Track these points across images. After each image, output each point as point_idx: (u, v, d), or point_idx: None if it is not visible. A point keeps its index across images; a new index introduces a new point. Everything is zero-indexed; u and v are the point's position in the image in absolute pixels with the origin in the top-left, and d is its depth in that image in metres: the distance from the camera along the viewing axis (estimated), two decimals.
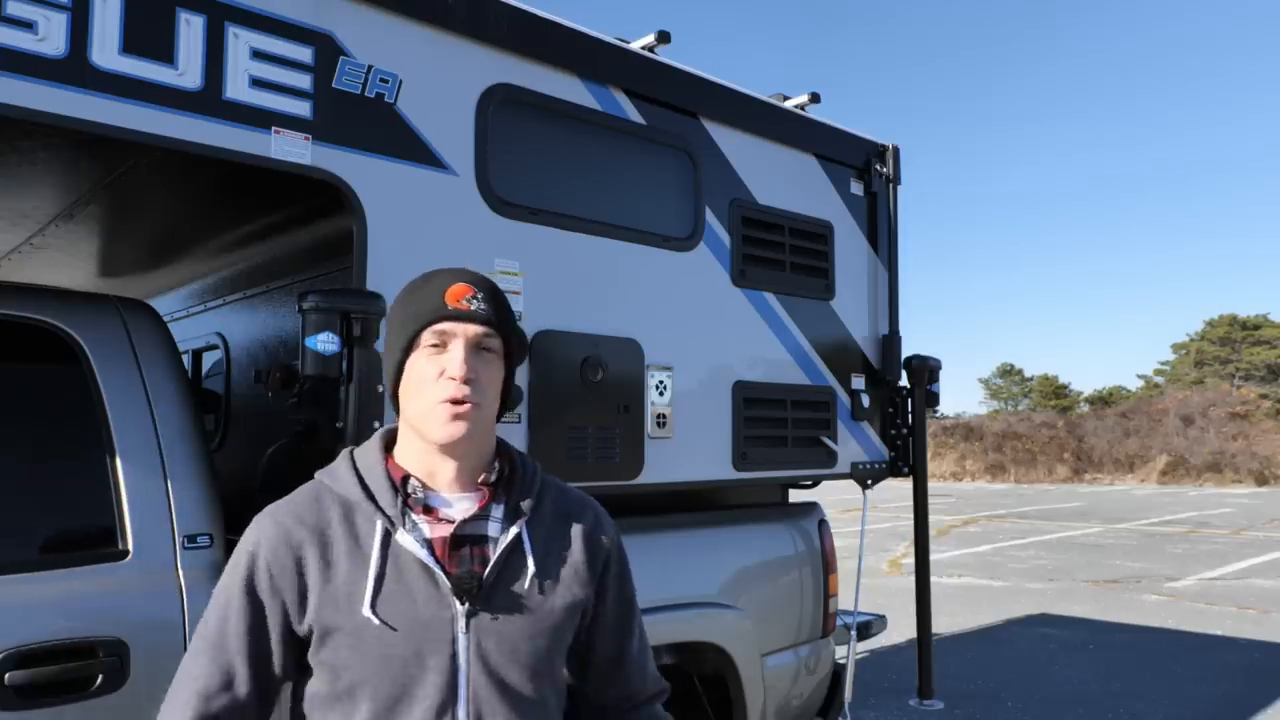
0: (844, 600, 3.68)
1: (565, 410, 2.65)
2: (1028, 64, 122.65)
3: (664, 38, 3.07)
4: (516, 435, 2.54)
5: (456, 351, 1.35)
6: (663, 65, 3.03)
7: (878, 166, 3.79)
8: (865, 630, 3.74)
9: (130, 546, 1.97)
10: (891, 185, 3.85)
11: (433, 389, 1.34)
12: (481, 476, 1.41)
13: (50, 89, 1.82)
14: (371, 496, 1.37)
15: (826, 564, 3.43)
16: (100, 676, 1.83)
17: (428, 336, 1.36)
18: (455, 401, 1.33)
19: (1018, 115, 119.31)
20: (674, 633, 2.83)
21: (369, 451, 1.43)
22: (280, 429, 2.79)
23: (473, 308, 1.37)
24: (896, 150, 3.86)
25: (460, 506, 1.39)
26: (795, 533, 3.38)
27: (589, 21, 2.80)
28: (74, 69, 1.85)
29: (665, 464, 2.91)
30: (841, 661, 3.58)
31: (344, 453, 1.45)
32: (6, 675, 1.74)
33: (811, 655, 3.33)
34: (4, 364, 2.04)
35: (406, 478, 1.39)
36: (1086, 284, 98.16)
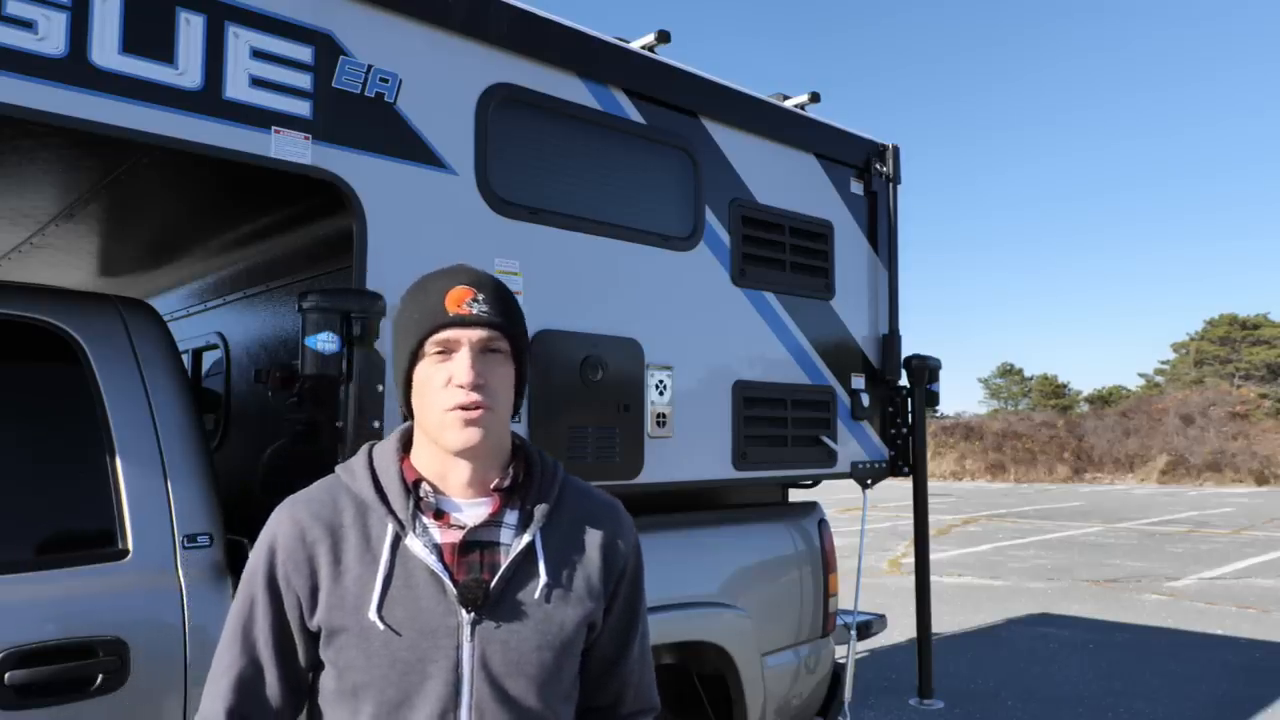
0: (844, 600, 3.68)
1: (565, 410, 2.65)
2: (1028, 63, 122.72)
3: (664, 37, 3.07)
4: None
5: (463, 358, 1.32)
6: (663, 65, 3.03)
7: (878, 166, 3.79)
8: (865, 630, 3.74)
9: (130, 546, 1.97)
10: (891, 185, 3.85)
11: (442, 396, 1.33)
12: (495, 481, 1.39)
13: (50, 88, 1.82)
14: (384, 498, 1.36)
15: (826, 563, 3.43)
16: (100, 676, 1.83)
17: (431, 346, 1.34)
18: (466, 408, 1.31)
19: (1018, 115, 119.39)
20: (674, 632, 2.83)
21: (386, 451, 1.42)
22: (280, 429, 2.79)
23: (474, 311, 1.34)
24: (896, 150, 3.86)
25: (472, 512, 1.37)
26: (795, 532, 3.38)
27: (589, 21, 2.80)
28: (74, 68, 1.85)
29: (665, 463, 2.91)
30: (841, 661, 3.58)
31: (364, 449, 1.44)
32: (6, 675, 1.74)
33: (811, 655, 3.33)
34: (4, 364, 2.03)
35: (419, 481, 1.38)
36: (1086, 284, 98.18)
